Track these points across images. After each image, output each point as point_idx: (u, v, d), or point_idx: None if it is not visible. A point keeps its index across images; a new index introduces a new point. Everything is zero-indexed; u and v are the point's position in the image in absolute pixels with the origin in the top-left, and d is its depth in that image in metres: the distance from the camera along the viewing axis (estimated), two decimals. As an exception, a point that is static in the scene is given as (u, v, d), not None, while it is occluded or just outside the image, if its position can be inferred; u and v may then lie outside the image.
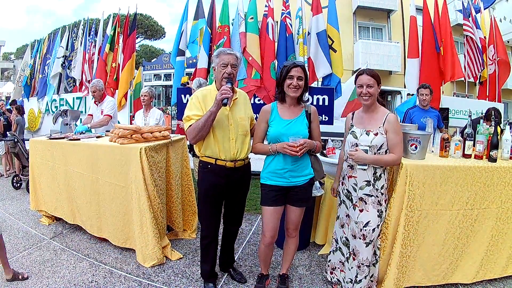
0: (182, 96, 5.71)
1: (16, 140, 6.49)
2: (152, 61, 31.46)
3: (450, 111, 6.44)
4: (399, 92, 12.37)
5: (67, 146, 4.02)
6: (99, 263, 3.44)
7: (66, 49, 9.66)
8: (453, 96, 10.24)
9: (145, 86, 5.92)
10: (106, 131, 4.49)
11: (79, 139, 4.03)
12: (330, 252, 3.06)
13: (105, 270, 3.31)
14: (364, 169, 2.57)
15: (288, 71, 2.52)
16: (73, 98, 8.63)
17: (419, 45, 6.24)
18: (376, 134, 2.55)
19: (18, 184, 6.51)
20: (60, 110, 8.16)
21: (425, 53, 6.15)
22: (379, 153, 2.56)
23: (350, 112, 5.50)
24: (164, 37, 37.35)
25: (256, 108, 5.72)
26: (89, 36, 8.98)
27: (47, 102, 9.20)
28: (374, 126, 2.60)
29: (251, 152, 2.82)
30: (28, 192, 5.50)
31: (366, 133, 2.59)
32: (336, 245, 2.96)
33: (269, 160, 2.65)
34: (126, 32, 7.82)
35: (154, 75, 29.25)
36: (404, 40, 17.53)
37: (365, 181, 2.60)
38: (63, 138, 4.22)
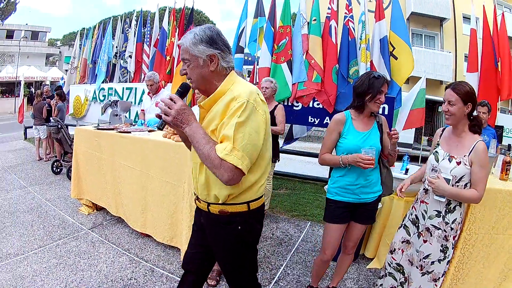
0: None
1: (60, 126, 6.38)
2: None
3: (504, 129, 5.99)
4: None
5: (116, 137, 3.92)
6: (140, 260, 3.30)
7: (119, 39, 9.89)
8: (509, 114, 9.69)
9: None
10: (155, 125, 4.43)
11: (129, 132, 3.88)
12: (381, 276, 2.85)
13: (146, 267, 3.16)
14: (442, 201, 2.32)
15: (380, 86, 2.38)
16: (123, 88, 8.60)
17: (478, 59, 5.86)
18: (458, 163, 2.26)
19: (58, 170, 6.52)
20: (110, 101, 8.29)
21: (484, 68, 5.76)
22: (457, 185, 2.27)
23: (411, 122, 5.21)
24: (215, 33, 37.70)
25: (315, 112, 5.68)
26: (144, 28, 9.12)
27: (94, 90, 9.37)
28: (459, 152, 2.30)
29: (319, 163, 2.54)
30: (68, 179, 5.55)
31: (449, 159, 2.31)
32: (385, 271, 2.76)
33: (340, 173, 2.50)
34: (182, 25, 7.84)
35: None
36: (456, 50, 16.94)
37: (436, 210, 2.35)
38: (112, 129, 4.12)
